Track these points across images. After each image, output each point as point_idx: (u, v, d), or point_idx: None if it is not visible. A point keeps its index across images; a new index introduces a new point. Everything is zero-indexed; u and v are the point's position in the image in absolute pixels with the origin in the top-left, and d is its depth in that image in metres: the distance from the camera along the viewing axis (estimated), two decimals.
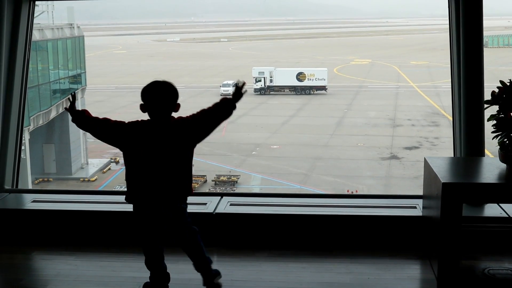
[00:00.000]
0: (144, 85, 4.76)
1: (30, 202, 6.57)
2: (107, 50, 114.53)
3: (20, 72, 7.11)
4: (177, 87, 4.79)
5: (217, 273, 5.00)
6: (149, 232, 4.85)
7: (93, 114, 4.88)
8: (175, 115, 4.79)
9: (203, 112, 4.77)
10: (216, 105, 4.79)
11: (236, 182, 34.22)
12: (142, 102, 4.74)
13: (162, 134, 4.67)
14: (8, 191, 6.93)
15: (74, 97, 4.85)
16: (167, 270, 5.02)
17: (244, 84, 4.84)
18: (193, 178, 4.95)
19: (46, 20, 38.55)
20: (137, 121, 4.76)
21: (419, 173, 34.41)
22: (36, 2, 7.24)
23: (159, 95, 4.70)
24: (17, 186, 7.28)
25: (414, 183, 32.96)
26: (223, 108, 4.78)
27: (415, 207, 6.17)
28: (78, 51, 40.41)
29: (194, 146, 4.80)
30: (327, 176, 35.57)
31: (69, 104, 4.81)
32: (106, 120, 4.79)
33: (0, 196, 6.78)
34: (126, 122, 4.78)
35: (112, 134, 4.76)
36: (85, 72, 41.45)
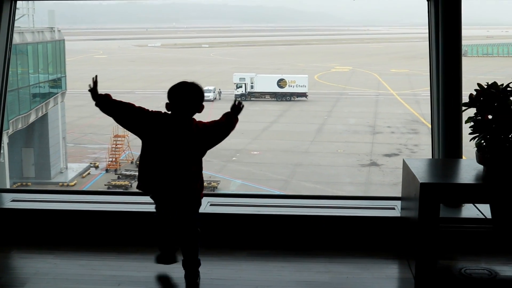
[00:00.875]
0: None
1: (9, 201, 6.55)
2: (88, 54, 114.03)
3: (0, 75, 7.08)
4: (203, 89, 4.92)
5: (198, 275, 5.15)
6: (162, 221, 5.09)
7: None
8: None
9: (217, 122, 4.97)
10: (225, 118, 4.99)
11: (216, 187, 34.20)
12: (168, 101, 4.83)
13: (184, 131, 4.80)
14: None
15: (96, 81, 4.86)
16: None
17: (241, 104, 5.09)
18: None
19: (27, 23, 38.32)
20: (160, 112, 4.86)
21: (398, 180, 34.61)
22: (18, 3, 7.21)
23: (185, 96, 4.83)
24: None
25: (393, 189, 33.16)
26: (231, 121, 5.02)
27: (393, 208, 6.23)
28: (58, 55, 40.21)
29: (205, 152, 4.95)
30: (307, 182, 35.68)
31: (92, 87, 4.83)
32: (130, 105, 4.85)
33: None
34: (150, 110, 4.88)
35: (135, 119, 4.82)
36: (65, 76, 41.25)
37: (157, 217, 5.09)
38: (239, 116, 5.07)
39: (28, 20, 38.81)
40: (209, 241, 5.82)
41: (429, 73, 6.76)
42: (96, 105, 4.85)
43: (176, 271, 5.24)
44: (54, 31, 39.75)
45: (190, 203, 5.00)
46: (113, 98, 4.87)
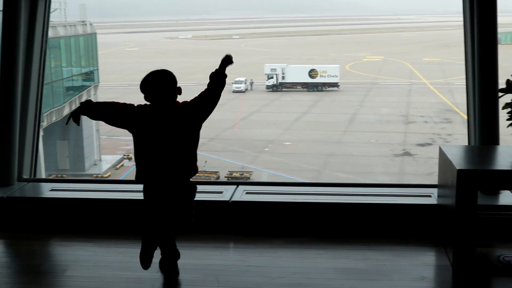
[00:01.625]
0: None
1: (48, 191, 6.66)
2: (119, 47, 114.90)
3: (37, 68, 7.21)
4: (173, 73, 4.86)
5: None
6: (160, 209, 4.89)
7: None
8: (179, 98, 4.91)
9: (202, 92, 4.92)
10: (209, 82, 4.94)
11: (249, 178, 34.21)
12: (144, 95, 4.83)
13: (170, 117, 4.79)
14: (26, 180, 7.03)
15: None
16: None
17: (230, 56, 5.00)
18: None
19: (59, 17, 38.71)
20: (146, 104, 4.86)
21: (432, 170, 34.37)
22: None
23: (157, 83, 4.78)
24: (35, 175, 7.38)
25: (427, 179, 32.85)
26: (216, 80, 4.94)
27: (430, 196, 6.21)
28: (90, 48, 40.53)
29: (200, 126, 4.92)
30: (339, 172, 35.54)
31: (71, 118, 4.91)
32: (114, 103, 4.85)
33: (19, 185, 6.88)
34: (135, 105, 4.88)
35: (123, 116, 4.82)
36: (97, 69, 41.58)
37: (149, 210, 4.96)
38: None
39: (60, 14, 39.22)
40: (246, 229, 5.86)
41: (464, 61, 6.71)
42: (82, 114, 4.84)
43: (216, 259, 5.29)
44: (86, 24, 40.04)
45: (188, 183, 5.00)
46: (94, 102, 4.88)
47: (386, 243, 5.79)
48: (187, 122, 4.83)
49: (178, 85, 4.84)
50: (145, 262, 5.07)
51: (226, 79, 4.97)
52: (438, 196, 5.97)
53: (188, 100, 4.91)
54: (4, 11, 6.62)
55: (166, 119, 4.78)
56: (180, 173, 4.89)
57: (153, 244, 5.07)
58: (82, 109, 4.82)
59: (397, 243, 5.79)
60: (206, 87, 4.92)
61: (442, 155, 5.62)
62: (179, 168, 4.87)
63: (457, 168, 4.99)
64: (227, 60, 4.96)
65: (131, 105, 4.86)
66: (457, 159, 5.29)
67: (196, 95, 4.92)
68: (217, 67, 4.94)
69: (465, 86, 6.70)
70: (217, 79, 4.94)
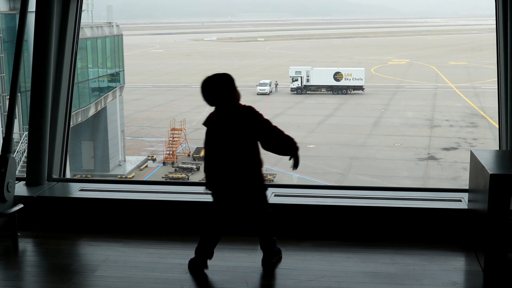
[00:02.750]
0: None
1: (77, 191, 6.70)
2: (144, 49, 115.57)
3: (68, 68, 7.27)
4: (232, 76, 5.03)
5: (278, 253, 5.39)
6: (225, 215, 5.13)
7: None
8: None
9: (278, 131, 5.04)
10: (286, 140, 5.05)
11: (272, 181, 34.16)
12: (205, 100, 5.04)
13: (227, 119, 4.98)
14: (56, 180, 7.08)
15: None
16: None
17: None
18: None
19: (86, 18, 39.00)
20: (209, 115, 5.09)
21: (457, 174, 34.13)
22: None
23: (207, 88, 4.99)
24: (64, 175, 7.43)
25: (452, 184, 32.59)
26: (288, 146, 5.07)
27: (460, 200, 6.15)
28: (116, 50, 40.80)
29: (254, 140, 5.04)
30: (363, 176, 35.41)
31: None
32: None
33: (48, 184, 6.93)
34: (205, 121, 5.10)
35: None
36: (123, 70, 41.85)
37: (214, 218, 5.16)
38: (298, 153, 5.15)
39: (88, 16, 39.51)
40: (275, 231, 5.83)
41: (496, 64, 6.65)
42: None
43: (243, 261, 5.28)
44: (112, 26, 40.33)
45: (255, 188, 5.13)
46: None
47: (415, 247, 5.74)
48: (243, 125, 4.97)
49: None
50: (194, 267, 5.21)
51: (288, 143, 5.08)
52: (469, 200, 5.90)
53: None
54: (37, 12, 6.68)
55: (223, 121, 4.98)
56: (240, 177, 5.04)
57: (208, 249, 5.18)
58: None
59: (427, 247, 5.73)
60: (283, 135, 5.03)
61: (474, 160, 5.56)
62: (238, 171, 5.02)
63: (490, 173, 4.93)
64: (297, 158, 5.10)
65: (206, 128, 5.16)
66: (490, 164, 5.23)
67: (274, 125, 5.04)
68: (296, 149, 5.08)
69: (492, 90, 6.64)
70: (289, 146, 5.06)
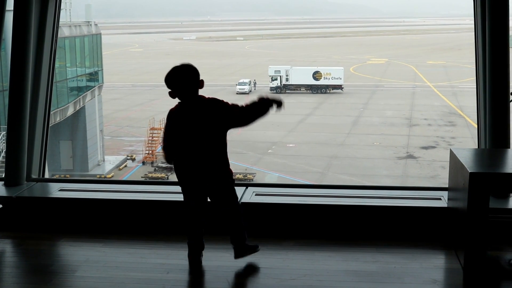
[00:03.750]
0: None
1: (57, 191, 6.65)
2: (123, 48, 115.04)
3: (47, 67, 7.23)
4: (195, 67, 5.06)
5: (253, 248, 5.36)
6: (189, 209, 5.21)
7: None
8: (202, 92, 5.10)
9: (242, 106, 5.02)
10: (254, 103, 5.01)
11: (252, 180, 34.21)
12: (169, 89, 5.06)
13: (195, 111, 5.01)
14: (35, 180, 7.03)
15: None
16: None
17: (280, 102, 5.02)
18: None
19: (64, 17, 38.74)
20: (174, 107, 5.12)
21: (436, 173, 34.36)
22: None
23: (179, 78, 5.03)
24: (43, 175, 7.37)
25: (431, 182, 32.80)
26: (261, 106, 5.00)
27: (439, 199, 6.19)
28: (95, 49, 40.59)
29: (225, 130, 5.08)
30: (343, 174, 35.53)
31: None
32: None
33: (28, 184, 6.87)
34: (168, 113, 5.14)
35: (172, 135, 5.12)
36: (102, 69, 41.64)
37: (187, 209, 5.24)
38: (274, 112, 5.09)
39: (66, 14, 39.27)
40: (255, 230, 5.84)
41: (475, 64, 6.71)
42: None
43: (223, 260, 5.28)
44: (91, 25, 40.10)
45: (223, 179, 5.19)
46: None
47: (395, 245, 5.77)
48: (212, 116, 4.99)
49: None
50: (193, 261, 5.26)
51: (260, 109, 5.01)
52: (449, 199, 5.94)
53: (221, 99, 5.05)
54: (15, 10, 6.62)
55: (191, 113, 5.01)
56: (209, 165, 5.09)
57: (198, 240, 5.25)
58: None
59: (407, 246, 5.76)
60: (248, 103, 5.00)
61: (453, 158, 5.60)
62: (208, 160, 5.06)
63: (470, 171, 4.97)
64: (279, 104, 5.01)
65: (168, 120, 5.18)
66: (469, 162, 5.27)
67: (234, 103, 5.04)
68: (268, 98, 5.01)
69: (470, 89, 6.71)
70: (263, 106, 4.99)
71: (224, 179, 5.19)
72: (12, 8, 6.65)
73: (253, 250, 5.38)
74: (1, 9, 6.49)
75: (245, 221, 5.34)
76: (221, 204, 5.23)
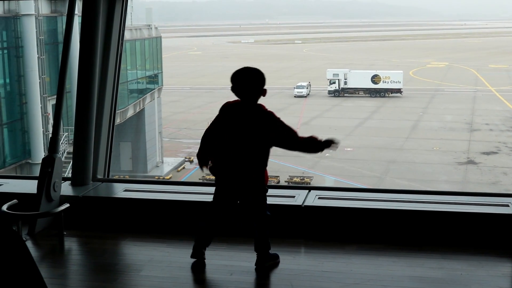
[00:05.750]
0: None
1: (122, 191, 6.76)
2: (182, 51, 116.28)
3: (113, 69, 7.36)
4: (264, 74, 5.10)
5: (274, 257, 5.34)
6: (223, 200, 5.26)
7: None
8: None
9: (295, 133, 5.03)
10: (306, 139, 5.04)
11: (309, 184, 34.07)
12: (232, 85, 5.13)
13: (248, 115, 5.05)
14: (100, 180, 7.16)
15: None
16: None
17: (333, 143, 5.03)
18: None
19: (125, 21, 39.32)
20: (232, 101, 5.18)
21: (497, 179, 33.63)
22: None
23: (244, 77, 5.10)
24: (108, 176, 7.50)
25: (492, 188, 32.12)
26: (311, 145, 5.06)
27: (507, 205, 6.05)
28: (155, 52, 41.06)
29: (269, 146, 5.10)
30: (401, 179, 35.10)
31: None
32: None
33: (93, 185, 7.01)
34: (222, 105, 5.23)
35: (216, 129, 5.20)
36: (161, 72, 42.10)
37: (212, 206, 5.30)
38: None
39: (127, 18, 39.84)
40: (319, 234, 5.82)
41: None
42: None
43: (286, 263, 5.27)
44: (151, 28, 40.61)
45: (255, 188, 5.17)
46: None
47: (461, 252, 5.67)
48: (261, 129, 5.02)
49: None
50: (195, 254, 5.32)
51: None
52: None
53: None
54: (83, 15, 6.77)
55: (241, 115, 5.06)
56: (245, 170, 5.10)
57: (206, 239, 5.32)
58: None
59: (473, 252, 5.65)
60: (305, 137, 5.02)
61: None
62: (245, 164, 5.08)
63: None
64: (330, 144, 5.03)
65: (216, 117, 5.29)
66: None
67: (291, 127, 5.03)
68: (323, 143, 5.02)
69: None
70: (312, 146, 5.05)
71: (257, 188, 5.18)
72: (77, 12, 6.80)
73: (275, 259, 5.38)
74: (70, 13, 6.64)
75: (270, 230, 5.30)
76: (249, 211, 5.25)
